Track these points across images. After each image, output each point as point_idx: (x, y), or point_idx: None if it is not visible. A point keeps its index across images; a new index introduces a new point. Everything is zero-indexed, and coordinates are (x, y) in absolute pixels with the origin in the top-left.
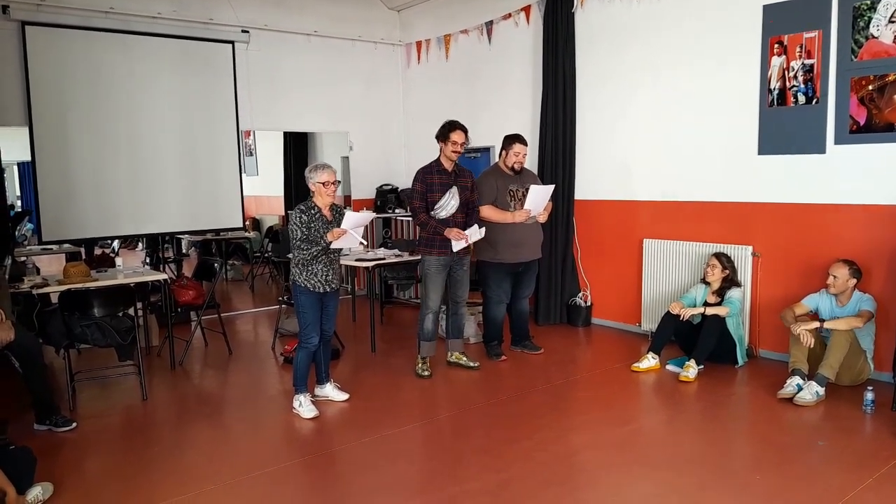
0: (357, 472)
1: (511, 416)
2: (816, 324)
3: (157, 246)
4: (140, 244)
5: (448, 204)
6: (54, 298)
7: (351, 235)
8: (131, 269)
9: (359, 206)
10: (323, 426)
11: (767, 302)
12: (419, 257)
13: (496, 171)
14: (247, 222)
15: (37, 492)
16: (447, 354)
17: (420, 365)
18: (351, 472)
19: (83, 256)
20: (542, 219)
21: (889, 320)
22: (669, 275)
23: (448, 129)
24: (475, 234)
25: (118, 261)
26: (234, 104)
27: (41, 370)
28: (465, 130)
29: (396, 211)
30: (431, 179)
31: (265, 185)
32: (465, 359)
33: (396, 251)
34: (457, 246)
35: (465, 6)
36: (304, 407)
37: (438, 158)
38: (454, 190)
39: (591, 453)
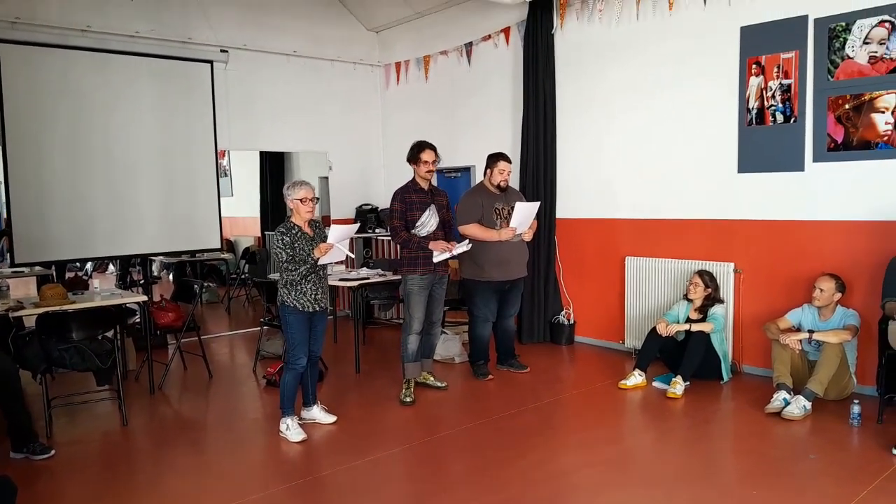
0: (349, 497)
1: (503, 435)
2: (806, 335)
3: (126, 269)
4: (112, 266)
5: (428, 222)
6: (28, 322)
7: (338, 249)
8: (108, 291)
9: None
10: (311, 450)
11: (750, 318)
12: (400, 277)
13: (481, 189)
14: (222, 244)
15: None
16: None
17: (403, 391)
18: (342, 497)
19: (54, 279)
20: (528, 237)
21: (871, 335)
22: (652, 292)
23: (417, 150)
24: (462, 247)
25: (94, 283)
26: (212, 124)
27: (18, 396)
28: (434, 149)
29: (377, 231)
30: (410, 198)
31: (240, 207)
32: (432, 378)
33: (379, 270)
34: (439, 257)
35: (444, 28)
36: (291, 430)
37: (413, 179)
38: (433, 208)
39: (586, 472)
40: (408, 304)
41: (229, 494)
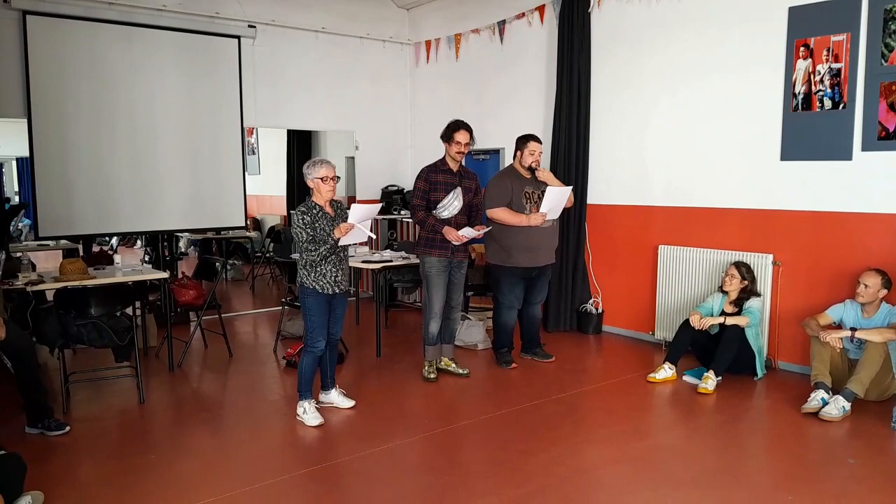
0: (365, 485)
1: (525, 427)
2: (848, 332)
3: (158, 244)
4: (139, 242)
5: (451, 204)
6: (50, 296)
7: (359, 230)
8: (130, 267)
9: None
10: (328, 435)
11: (788, 312)
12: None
13: (511, 172)
14: (247, 222)
15: (26, 501)
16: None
17: (426, 368)
18: (358, 485)
19: (81, 253)
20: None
21: None
22: (685, 283)
23: (452, 130)
24: (469, 233)
25: (117, 258)
26: (238, 100)
27: (34, 371)
28: (469, 130)
29: (402, 213)
30: (436, 178)
31: (267, 185)
32: (454, 365)
33: (403, 253)
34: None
35: (476, 5)
36: (308, 414)
37: (444, 158)
38: (458, 190)
39: (611, 469)
40: (426, 285)
41: (243, 478)
